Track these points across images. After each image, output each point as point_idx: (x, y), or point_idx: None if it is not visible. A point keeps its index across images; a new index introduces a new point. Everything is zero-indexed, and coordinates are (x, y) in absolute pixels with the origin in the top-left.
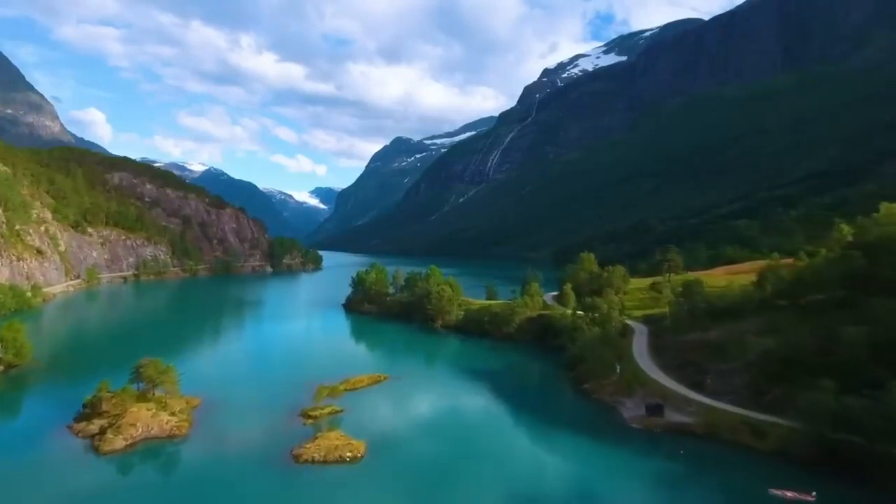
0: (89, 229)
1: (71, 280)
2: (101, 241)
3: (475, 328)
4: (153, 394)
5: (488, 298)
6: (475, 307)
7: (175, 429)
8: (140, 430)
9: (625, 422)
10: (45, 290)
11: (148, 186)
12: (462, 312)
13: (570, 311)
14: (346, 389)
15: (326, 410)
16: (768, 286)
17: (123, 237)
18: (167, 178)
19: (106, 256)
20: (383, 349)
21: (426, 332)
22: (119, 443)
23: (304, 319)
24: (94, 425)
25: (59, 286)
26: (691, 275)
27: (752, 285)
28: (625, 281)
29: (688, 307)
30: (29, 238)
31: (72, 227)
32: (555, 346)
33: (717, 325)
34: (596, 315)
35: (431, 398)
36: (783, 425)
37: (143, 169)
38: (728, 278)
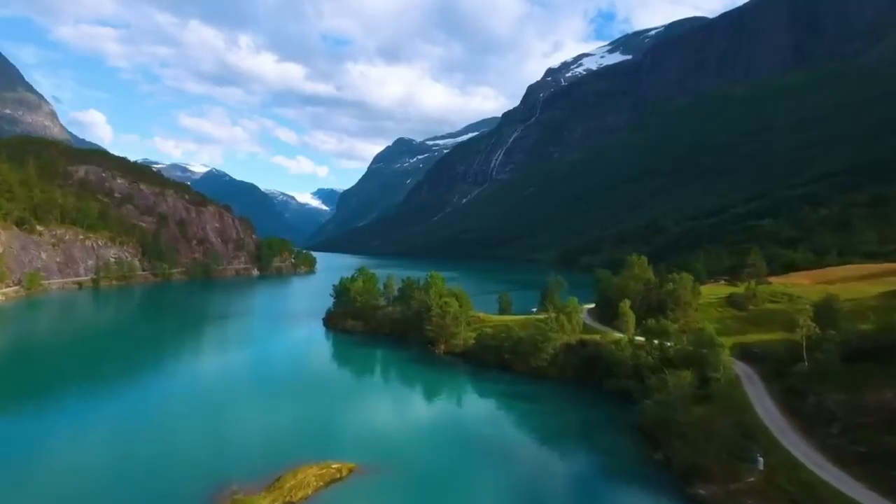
0: (38, 227)
1: (7, 287)
2: (52, 241)
3: (491, 357)
4: None
5: (502, 311)
6: (489, 327)
7: None
8: None
9: None
10: None
11: (119, 181)
12: (473, 335)
13: (626, 338)
14: None
15: None
16: None
17: (81, 237)
18: (142, 172)
19: (58, 259)
20: (359, 399)
21: (425, 363)
22: None
23: (264, 344)
24: None
25: None
26: (779, 283)
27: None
28: (695, 294)
29: (837, 343)
30: None
31: (15, 224)
32: (608, 390)
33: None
34: (669, 345)
35: None
36: None
37: (115, 162)
38: (822, 288)
